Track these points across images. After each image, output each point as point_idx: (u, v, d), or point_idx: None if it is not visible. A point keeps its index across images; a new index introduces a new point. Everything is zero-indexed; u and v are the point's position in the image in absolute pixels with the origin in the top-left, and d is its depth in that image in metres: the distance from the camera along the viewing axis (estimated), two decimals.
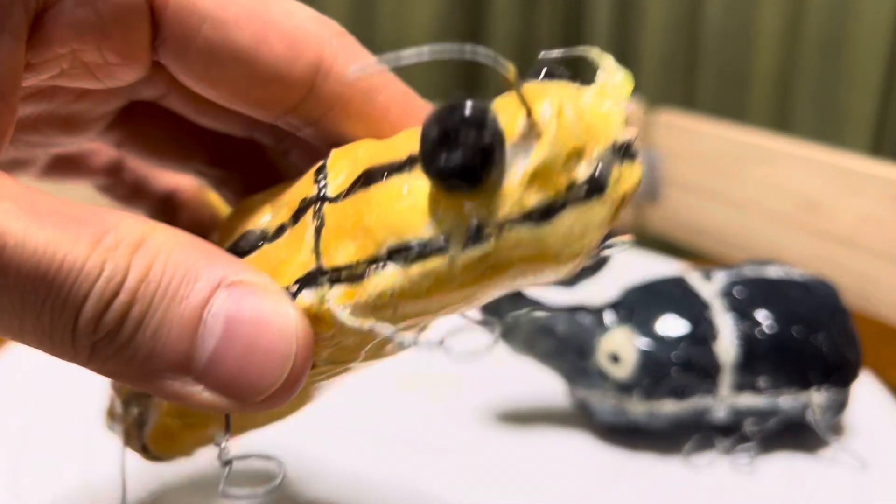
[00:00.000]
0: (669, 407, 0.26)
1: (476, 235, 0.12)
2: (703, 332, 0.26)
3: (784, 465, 0.27)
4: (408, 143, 0.14)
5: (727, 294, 0.27)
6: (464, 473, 0.27)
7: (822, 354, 0.26)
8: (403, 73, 0.63)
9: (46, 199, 0.12)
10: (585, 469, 0.27)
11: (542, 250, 0.12)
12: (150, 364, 0.12)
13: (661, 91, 0.77)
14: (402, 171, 0.13)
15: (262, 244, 0.15)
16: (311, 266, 0.14)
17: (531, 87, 0.13)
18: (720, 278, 0.28)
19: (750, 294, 0.27)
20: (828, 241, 0.31)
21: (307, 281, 0.14)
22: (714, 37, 0.75)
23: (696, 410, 0.26)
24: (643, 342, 0.26)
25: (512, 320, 0.26)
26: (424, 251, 0.13)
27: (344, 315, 0.13)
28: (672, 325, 0.26)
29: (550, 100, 0.13)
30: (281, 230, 0.15)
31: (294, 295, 0.14)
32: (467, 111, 0.12)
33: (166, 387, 0.12)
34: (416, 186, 0.13)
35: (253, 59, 0.14)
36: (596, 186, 0.12)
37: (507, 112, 0.13)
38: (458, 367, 0.33)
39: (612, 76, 0.14)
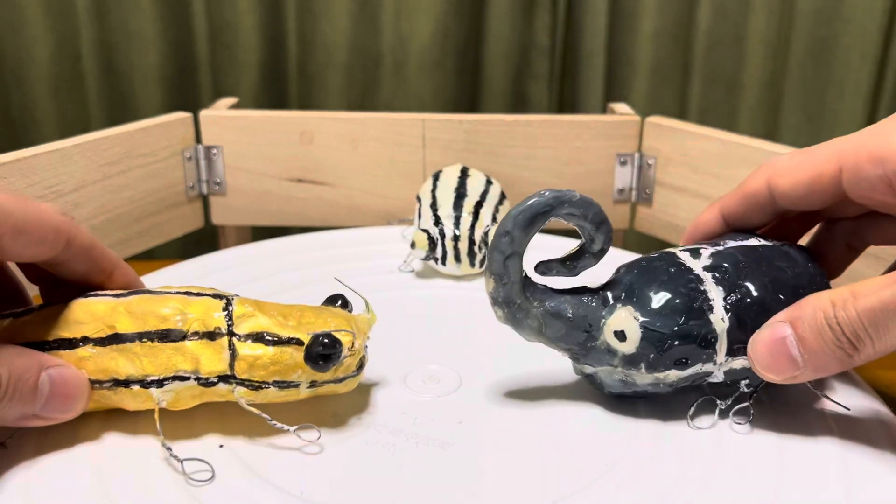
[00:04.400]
0: (673, 375, 0.28)
1: (311, 384, 0.28)
2: (699, 305, 0.28)
3: (778, 417, 0.30)
4: (294, 330, 0.28)
5: (717, 267, 0.29)
6: (480, 447, 0.28)
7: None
8: (406, 79, 0.66)
9: None
10: (597, 437, 0.29)
11: (336, 391, 0.29)
12: (12, 415, 0.25)
13: (654, 96, 0.78)
14: (290, 344, 0.27)
15: (183, 339, 0.27)
16: (227, 371, 0.27)
17: (345, 316, 0.29)
18: (706, 254, 0.30)
19: (736, 266, 0.29)
20: None
21: (223, 379, 0.27)
22: (705, 44, 0.76)
23: (697, 375, 0.28)
24: (646, 319, 0.28)
25: (524, 308, 0.28)
26: (290, 385, 0.28)
27: (242, 402, 0.28)
28: (671, 300, 0.28)
29: (357, 332, 0.28)
30: (195, 335, 0.27)
31: (214, 383, 0.27)
32: (329, 342, 0.27)
33: (22, 423, 0.26)
34: (296, 358, 0.27)
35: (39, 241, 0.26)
36: (360, 366, 0.29)
37: (344, 338, 0.27)
38: (465, 348, 0.34)
39: (369, 315, 0.30)
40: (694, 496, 0.26)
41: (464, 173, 0.47)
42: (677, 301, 0.28)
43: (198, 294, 0.28)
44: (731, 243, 0.31)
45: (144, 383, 0.27)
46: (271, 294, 0.39)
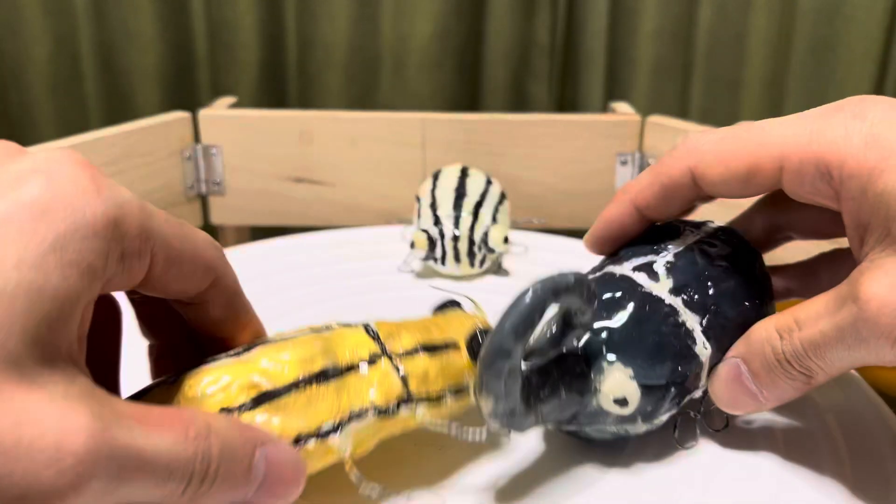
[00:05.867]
0: (664, 419, 0.27)
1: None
2: (683, 341, 0.26)
3: (777, 418, 0.30)
4: (441, 333, 0.26)
5: (683, 288, 0.27)
6: (478, 445, 0.28)
7: (766, 298, 0.29)
8: (406, 79, 0.65)
9: (142, 409, 0.18)
10: (591, 471, 0.28)
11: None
12: (218, 502, 0.20)
13: (655, 95, 0.78)
14: (448, 350, 0.25)
15: (341, 375, 0.23)
16: (403, 393, 0.24)
17: (470, 317, 0.28)
18: (662, 272, 0.28)
19: (697, 279, 0.27)
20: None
21: (402, 403, 0.24)
22: (706, 42, 0.76)
23: (685, 404, 0.27)
24: (641, 375, 0.25)
25: (524, 413, 0.24)
26: (463, 390, 0.26)
27: (427, 422, 0.24)
28: (659, 347, 0.26)
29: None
30: (352, 368, 0.24)
31: (395, 410, 0.24)
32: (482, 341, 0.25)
33: None
34: (459, 360, 0.26)
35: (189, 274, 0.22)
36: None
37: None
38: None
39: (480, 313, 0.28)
40: (694, 496, 0.26)
41: (464, 173, 0.47)
42: (664, 345, 0.26)
43: (325, 327, 0.25)
44: (672, 247, 0.28)
45: (321, 434, 0.22)
46: (271, 294, 0.39)
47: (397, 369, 0.24)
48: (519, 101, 0.79)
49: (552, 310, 0.24)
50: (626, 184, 0.29)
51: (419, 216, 0.45)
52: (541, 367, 0.25)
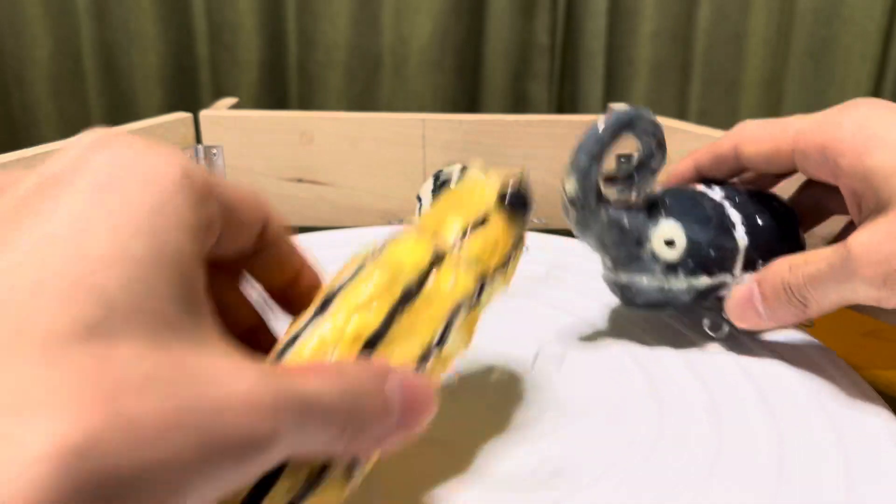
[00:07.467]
0: (703, 282, 0.33)
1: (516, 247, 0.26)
2: (725, 223, 0.33)
3: (778, 417, 0.31)
4: (475, 204, 0.26)
5: (730, 197, 0.34)
6: (477, 446, 0.28)
7: (798, 244, 0.35)
8: (406, 79, 0.65)
9: (286, 363, 0.20)
10: (596, 436, 0.29)
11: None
12: (380, 432, 0.20)
13: (653, 96, 0.78)
14: (488, 221, 0.25)
15: (419, 292, 0.23)
16: (478, 280, 0.25)
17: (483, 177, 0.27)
18: (717, 188, 0.35)
19: (744, 199, 0.34)
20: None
21: (478, 289, 0.25)
22: (705, 44, 0.76)
23: (719, 284, 0.33)
24: (689, 229, 0.32)
25: (595, 213, 0.31)
26: (509, 264, 0.26)
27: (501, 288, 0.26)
28: (706, 217, 0.33)
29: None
30: (424, 279, 0.24)
31: (478, 297, 0.24)
32: (523, 191, 0.26)
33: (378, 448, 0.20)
34: (498, 226, 0.26)
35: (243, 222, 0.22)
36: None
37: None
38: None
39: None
40: (694, 496, 0.26)
41: (465, 173, 0.47)
42: (711, 218, 0.33)
43: (373, 252, 0.25)
44: (726, 184, 0.35)
45: (433, 348, 0.23)
46: None
47: (461, 261, 0.24)
48: (519, 102, 0.79)
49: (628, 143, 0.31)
50: (694, 150, 0.37)
51: (420, 216, 0.45)
52: (611, 202, 0.32)
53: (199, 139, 0.54)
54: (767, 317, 0.32)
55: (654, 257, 0.32)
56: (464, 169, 0.28)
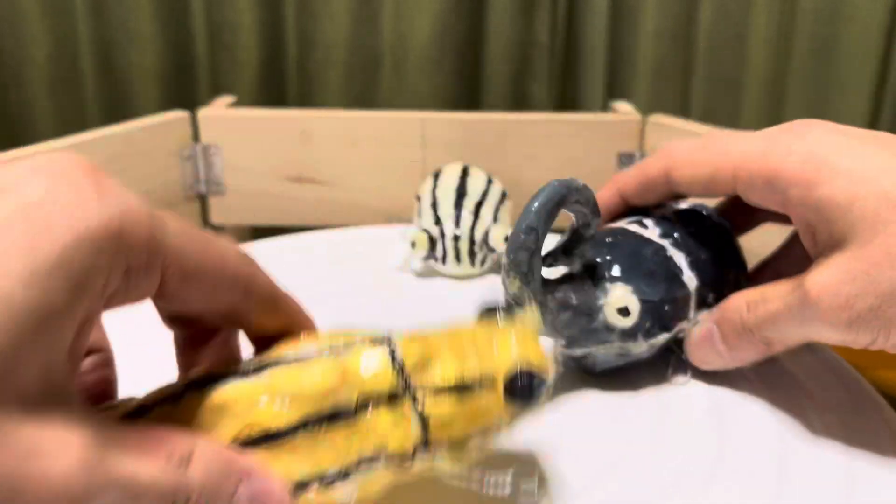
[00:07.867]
0: (661, 339, 0.31)
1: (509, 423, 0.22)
2: (672, 270, 0.31)
3: (778, 418, 0.31)
4: (480, 360, 0.22)
5: (667, 235, 0.32)
6: None
7: (741, 263, 0.34)
8: (406, 78, 0.65)
9: (132, 433, 0.18)
10: (597, 436, 0.29)
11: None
12: None
13: (655, 95, 0.78)
14: (482, 389, 0.22)
15: (351, 417, 0.21)
16: (420, 443, 0.21)
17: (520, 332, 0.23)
18: (651, 224, 0.33)
19: (682, 232, 0.33)
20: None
21: (417, 451, 0.21)
22: (707, 43, 0.76)
23: (678, 332, 0.31)
24: (640, 291, 0.30)
25: (543, 304, 0.28)
26: (490, 431, 0.22)
27: (448, 471, 0.22)
28: (653, 271, 0.31)
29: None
30: (366, 406, 0.21)
31: (410, 459, 0.21)
32: (527, 382, 0.22)
33: None
34: (492, 400, 0.22)
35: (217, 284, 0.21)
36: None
37: (539, 364, 0.22)
38: None
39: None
40: (694, 496, 0.26)
41: (465, 172, 0.47)
42: (657, 271, 0.31)
43: (345, 345, 0.22)
44: (657, 212, 0.34)
45: (324, 480, 0.21)
46: None
47: (419, 412, 0.21)
48: (519, 101, 0.79)
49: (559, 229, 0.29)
50: (617, 174, 0.35)
51: (420, 216, 0.45)
52: (552, 281, 0.29)
53: (197, 138, 0.54)
54: (731, 358, 0.30)
55: (609, 328, 0.30)
56: (510, 308, 0.25)
